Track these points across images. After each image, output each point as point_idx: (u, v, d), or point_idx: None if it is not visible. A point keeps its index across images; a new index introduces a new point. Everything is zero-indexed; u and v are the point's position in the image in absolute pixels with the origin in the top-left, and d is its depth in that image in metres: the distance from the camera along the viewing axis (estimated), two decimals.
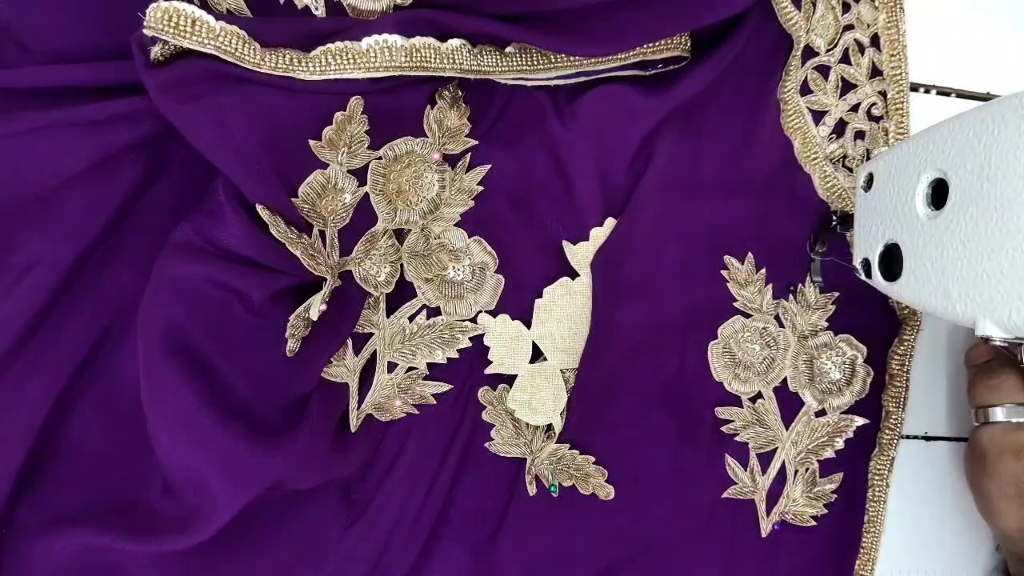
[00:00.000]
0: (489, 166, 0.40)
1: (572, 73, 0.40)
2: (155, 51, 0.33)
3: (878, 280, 0.35)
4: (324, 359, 0.38)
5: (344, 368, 0.39)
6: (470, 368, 0.41)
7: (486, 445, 0.41)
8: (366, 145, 0.37)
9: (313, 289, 0.37)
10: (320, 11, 0.37)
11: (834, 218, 0.42)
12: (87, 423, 0.37)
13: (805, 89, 0.43)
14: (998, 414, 0.39)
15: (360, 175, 0.37)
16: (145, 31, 0.32)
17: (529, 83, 0.40)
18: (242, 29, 0.33)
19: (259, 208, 0.35)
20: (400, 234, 0.39)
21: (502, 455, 0.41)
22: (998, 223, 0.28)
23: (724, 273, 0.42)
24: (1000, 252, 0.28)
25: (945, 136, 0.32)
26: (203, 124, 0.34)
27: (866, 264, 0.36)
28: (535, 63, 0.39)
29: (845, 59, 0.43)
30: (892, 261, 0.35)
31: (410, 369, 0.40)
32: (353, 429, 0.39)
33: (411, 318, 0.40)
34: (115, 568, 0.37)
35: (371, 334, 0.40)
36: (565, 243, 0.41)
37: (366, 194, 0.38)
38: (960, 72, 0.46)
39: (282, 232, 0.35)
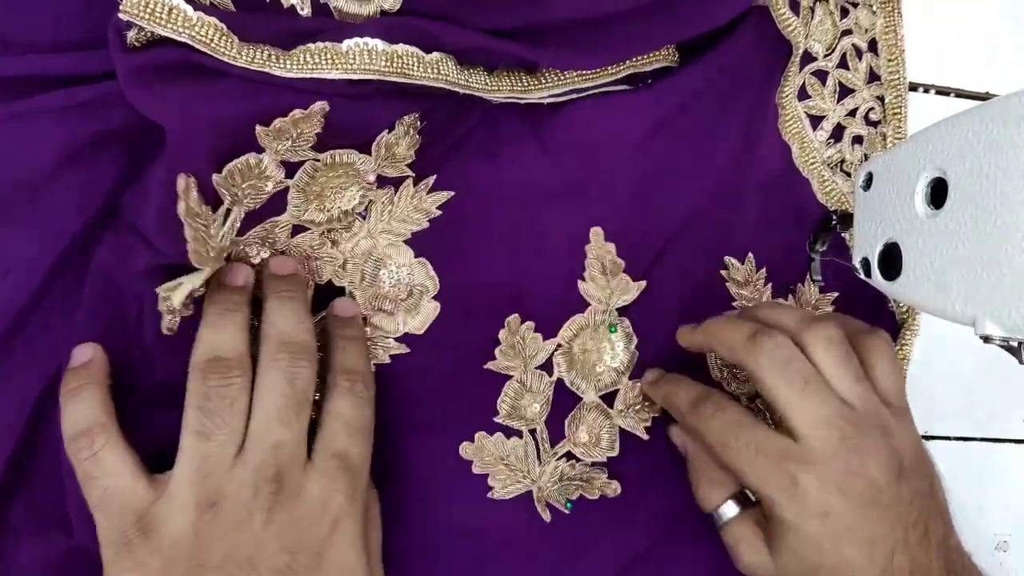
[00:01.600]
0: (452, 194, 0.39)
1: (563, 92, 0.39)
2: (131, 36, 0.33)
3: (878, 279, 0.35)
4: None
5: None
6: None
7: (488, 496, 0.40)
8: (310, 145, 0.36)
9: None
10: (306, 11, 0.36)
11: (834, 218, 0.42)
12: None
13: (803, 94, 0.43)
14: (719, 516, 0.39)
15: (291, 168, 0.36)
16: (120, 15, 0.32)
17: (522, 102, 0.39)
18: (221, 22, 0.33)
19: (179, 178, 0.33)
20: (298, 231, 0.38)
21: (509, 498, 0.40)
22: (997, 222, 0.28)
23: (723, 273, 0.42)
24: (1000, 251, 0.28)
25: (944, 135, 0.32)
26: (163, 110, 0.33)
27: (865, 263, 0.36)
28: (525, 84, 0.38)
29: (843, 64, 0.44)
30: (892, 260, 0.35)
31: None
32: None
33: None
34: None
35: None
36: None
37: (286, 187, 0.36)
38: (960, 72, 0.46)
39: (188, 209, 0.33)
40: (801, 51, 0.42)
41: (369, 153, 0.37)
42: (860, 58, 0.44)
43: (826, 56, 0.43)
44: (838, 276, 0.43)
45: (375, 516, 0.36)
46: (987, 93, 0.46)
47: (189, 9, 0.32)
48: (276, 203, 0.37)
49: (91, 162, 0.36)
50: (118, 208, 0.36)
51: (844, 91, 0.44)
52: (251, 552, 0.30)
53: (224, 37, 0.33)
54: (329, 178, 0.37)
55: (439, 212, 0.39)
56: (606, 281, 0.41)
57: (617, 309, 0.41)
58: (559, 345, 0.41)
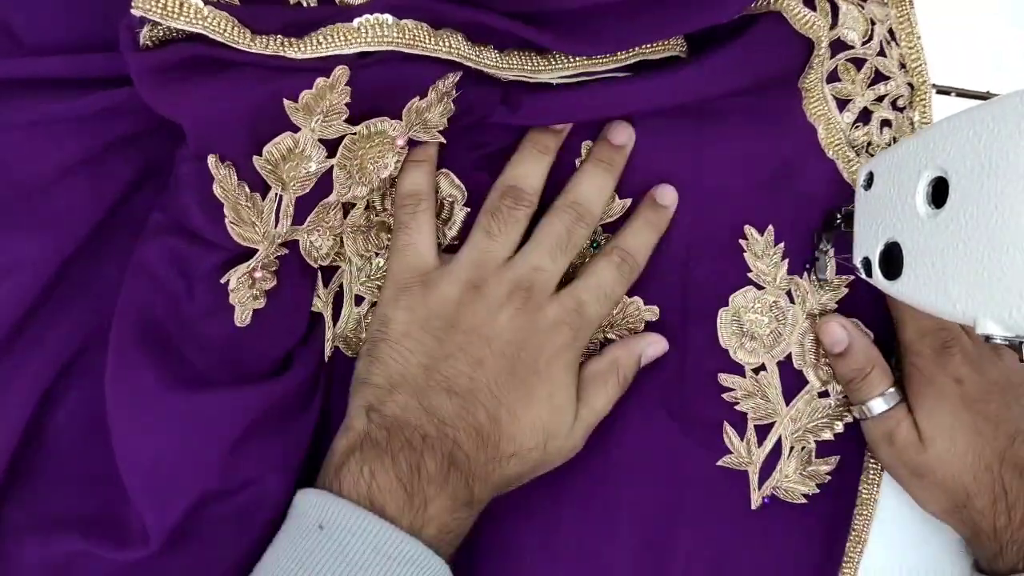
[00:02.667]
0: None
1: (573, 74, 0.40)
2: (143, 34, 0.33)
3: (878, 279, 0.36)
4: (284, 334, 0.38)
5: (318, 298, 0.40)
6: None
7: None
8: (343, 118, 0.36)
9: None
10: (312, 3, 0.37)
11: (838, 216, 0.42)
12: (73, 424, 0.37)
13: (832, 77, 0.44)
14: (874, 408, 0.41)
15: (330, 146, 0.36)
16: (133, 11, 0.32)
17: (531, 80, 0.39)
18: (233, 16, 0.33)
19: (209, 159, 0.34)
20: (346, 208, 0.39)
21: None
22: (998, 221, 0.28)
23: (742, 243, 0.43)
24: (1000, 250, 0.28)
25: (945, 134, 0.32)
26: (180, 106, 0.33)
27: (867, 263, 0.36)
28: (535, 64, 0.39)
29: (881, 52, 0.44)
30: (893, 260, 0.35)
31: (375, 304, 0.40)
32: (326, 358, 0.40)
33: (377, 253, 0.41)
34: (104, 571, 0.36)
35: (339, 267, 0.40)
36: None
37: (331, 167, 0.37)
38: (960, 71, 0.46)
39: (224, 191, 0.35)
40: (824, 44, 0.42)
41: (400, 119, 0.37)
42: (890, 45, 0.44)
43: (864, 43, 0.43)
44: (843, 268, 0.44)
45: (607, 379, 0.40)
46: (988, 93, 0.46)
47: (200, 2, 0.33)
48: (324, 185, 0.37)
49: (100, 168, 0.36)
50: (165, 209, 0.37)
51: (879, 77, 0.44)
52: (490, 333, 0.37)
53: (237, 27, 0.33)
54: (367, 149, 0.37)
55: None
56: None
57: (602, 225, 0.42)
58: None
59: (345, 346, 0.41)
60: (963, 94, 0.46)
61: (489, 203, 0.40)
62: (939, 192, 0.32)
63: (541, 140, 0.40)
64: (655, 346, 0.41)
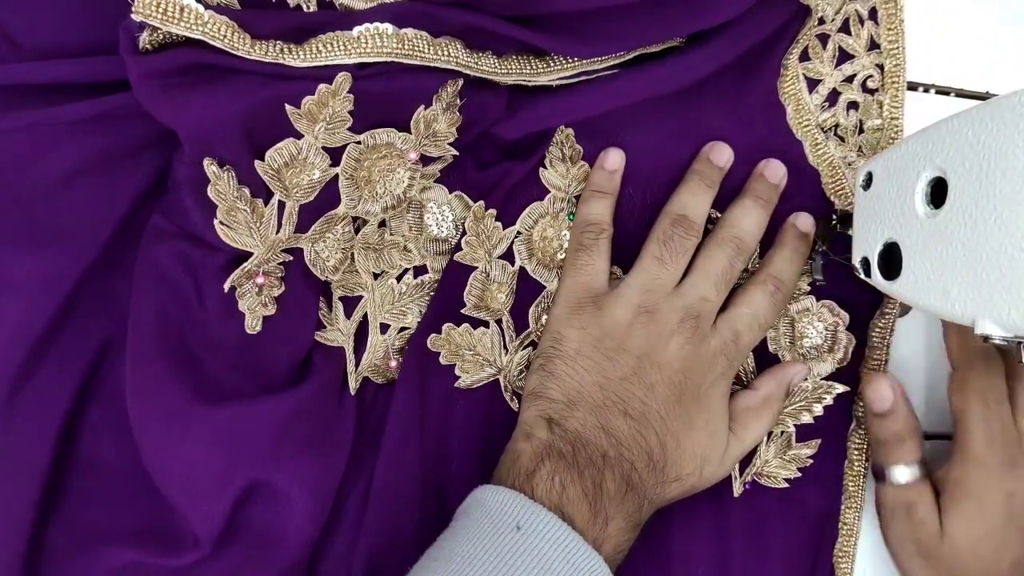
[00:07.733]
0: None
1: (572, 75, 0.40)
2: (143, 38, 0.33)
3: (877, 279, 0.36)
4: (295, 341, 0.38)
5: (338, 332, 0.39)
6: None
7: (456, 384, 0.41)
8: (347, 126, 0.36)
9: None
10: (312, 7, 0.37)
11: (834, 217, 0.42)
12: (99, 439, 0.37)
13: (804, 56, 0.43)
14: (896, 475, 0.40)
15: (335, 155, 0.36)
16: (133, 16, 0.32)
17: (530, 84, 0.40)
18: (232, 20, 0.33)
19: (205, 162, 0.34)
20: (357, 224, 0.39)
21: (475, 388, 0.41)
22: (997, 222, 0.29)
23: (711, 228, 0.42)
24: (999, 251, 0.28)
25: (944, 135, 0.32)
26: (177, 112, 0.33)
27: (865, 263, 0.36)
28: (534, 67, 0.39)
29: (845, 29, 0.44)
30: (891, 260, 0.35)
31: (402, 329, 0.40)
32: (352, 391, 0.40)
33: (398, 278, 0.40)
34: None
35: (361, 296, 0.40)
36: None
37: (335, 175, 0.37)
38: (959, 71, 0.46)
39: (220, 193, 0.34)
40: (818, 15, 0.42)
41: (409, 131, 0.37)
42: (862, 24, 0.44)
43: (834, 20, 0.43)
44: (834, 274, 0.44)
45: (761, 414, 0.41)
46: (987, 93, 0.46)
47: (200, 8, 0.33)
48: (331, 196, 0.37)
49: (110, 176, 0.36)
50: (172, 217, 0.36)
51: (844, 56, 0.44)
52: (662, 359, 0.38)
53: (237, 33, 0.33)
54: (374, 160, 0.37)
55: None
56: (566, 169, 0.41)
57: (576, 197, 0.42)
58: (519, 233, 0.41)
59: (375, 374, 0.40)
60: (963, 94, 0.46)
61: (660, 230, 0.40)
62: (938, 192, 0.32)
63: (707, 174, 0.41)
64: (800, 374, 0.42)
